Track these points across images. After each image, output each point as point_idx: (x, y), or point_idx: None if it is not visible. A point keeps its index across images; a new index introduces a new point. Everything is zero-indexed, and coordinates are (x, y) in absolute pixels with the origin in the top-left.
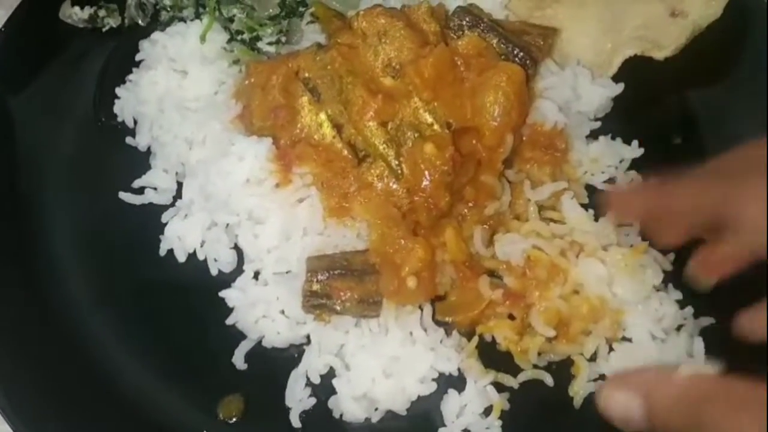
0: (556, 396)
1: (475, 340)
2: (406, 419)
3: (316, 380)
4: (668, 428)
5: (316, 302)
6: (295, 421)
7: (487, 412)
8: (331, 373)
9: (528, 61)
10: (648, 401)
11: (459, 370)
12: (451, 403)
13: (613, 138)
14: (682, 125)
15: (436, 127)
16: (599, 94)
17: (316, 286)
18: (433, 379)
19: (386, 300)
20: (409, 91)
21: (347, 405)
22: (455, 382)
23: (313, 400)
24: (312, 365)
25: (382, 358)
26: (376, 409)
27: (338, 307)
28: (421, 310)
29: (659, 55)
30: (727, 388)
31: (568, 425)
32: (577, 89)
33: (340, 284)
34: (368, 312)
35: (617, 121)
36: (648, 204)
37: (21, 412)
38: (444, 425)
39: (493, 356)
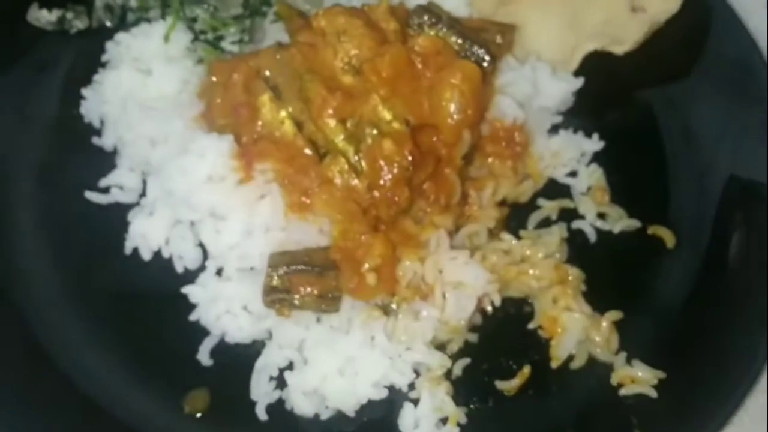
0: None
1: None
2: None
3: (275, 373)
4: None
5: (276, 297)
6: (262, 414)
7: (444, 421)
8: (291, 367)
9: (487, 58)
10: None
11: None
12: (406, 415)
13: (574, 132)
14: (641, 118)
15: (394, 124)
16: (560, 88)
17: (276, 281)
18: (385, 387)
19: (354, 300)
20: (368, 88)
21: (297, 399)
22: (412, 394)
23: (278, 393)
24: (272, 359)
25: (339, 356)
26: (327, 407)
27: (297, 302)
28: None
29: (619, 50)
30: None
31: None
32: (537, 84)
33: (300, 279)
34: (327, 307)
35: (579, 116)
36: None
37: None
38: None
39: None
